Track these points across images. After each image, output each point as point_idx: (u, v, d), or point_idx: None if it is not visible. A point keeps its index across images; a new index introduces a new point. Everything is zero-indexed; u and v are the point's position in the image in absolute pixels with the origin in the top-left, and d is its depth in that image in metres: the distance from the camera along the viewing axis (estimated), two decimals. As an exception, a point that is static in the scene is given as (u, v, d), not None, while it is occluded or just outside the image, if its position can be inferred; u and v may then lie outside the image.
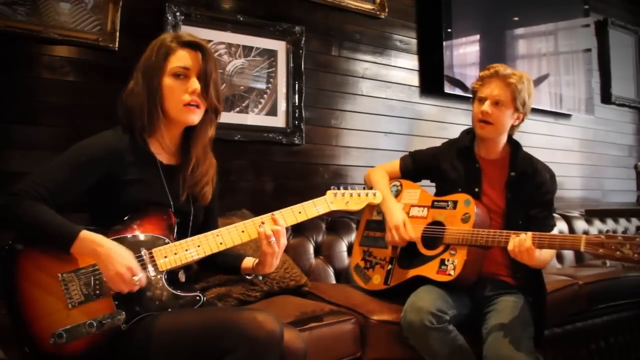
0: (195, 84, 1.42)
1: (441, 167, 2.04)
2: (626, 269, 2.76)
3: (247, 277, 1.60)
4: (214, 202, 1.61)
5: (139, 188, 1.40)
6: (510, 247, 1.66)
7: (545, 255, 1.77)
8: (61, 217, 1.29)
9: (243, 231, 1.47)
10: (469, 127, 2.06)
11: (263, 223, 1.47)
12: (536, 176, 1.93)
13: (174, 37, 1.46)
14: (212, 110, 1.49)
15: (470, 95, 2.05)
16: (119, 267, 1.27)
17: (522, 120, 1.98)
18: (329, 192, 1.63)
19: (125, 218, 1.38)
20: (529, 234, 1.64)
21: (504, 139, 1.98)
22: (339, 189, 1.64)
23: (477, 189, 1.93)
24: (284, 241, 1.49)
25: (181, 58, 1.43)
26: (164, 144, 1.47)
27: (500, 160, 1.98)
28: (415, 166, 2.13)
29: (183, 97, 1.42)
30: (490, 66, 1.96)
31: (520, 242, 1.64)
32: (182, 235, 1.46)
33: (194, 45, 1.45)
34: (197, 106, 1.44)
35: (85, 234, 1.28)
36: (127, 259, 1.29)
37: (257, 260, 1.54)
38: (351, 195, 1.65)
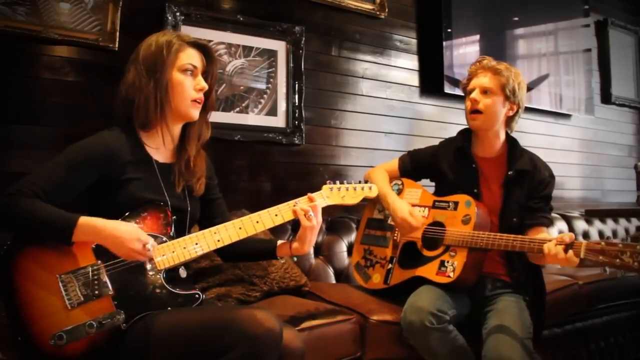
0: (203, 82, 1.49)
1: (440, 168, 2.04)
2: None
3: (281, 259, 1.66)
4: (215, 194, 1.65)
5: (135, 186, 1.40)
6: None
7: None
8: (59, 209, 1.30)
9: (240, 228, 1.47)
10: (467, 126, 2.06)
11: (296, 204, 1.53)
12: (535, 174, 1.92)
13: (179, 36, 1.49)
14: (209, 108, 1.56)
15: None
16: (129, 244, 1.29)
17: (517, 112, 1.96)
18: (324, 187, 1.63)
19: (123, 217, 1.38)
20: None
21: (501, 134, 1.97)
22: (334, 183, 1.64)
23: (475, 190, 1.92)
24: (320, 218, 1.54)
25: (190, 56, 1.48)
26: (163, 141, 1.49)
27: (498, 158, 1.97)
28: (414, 166, 2.13)
29: (191, 93, 1.47)
30: (476, 61, 2.00)
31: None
32: (180, 232, 1.47)
33: (200, 46, 1.51)
34: (200, 103, 1.50)
35: (84, 219, 1.29)
36: (133, 232, 1.31)
37: (292, 241, 1.56)
38: (347, 189, 1.66)
